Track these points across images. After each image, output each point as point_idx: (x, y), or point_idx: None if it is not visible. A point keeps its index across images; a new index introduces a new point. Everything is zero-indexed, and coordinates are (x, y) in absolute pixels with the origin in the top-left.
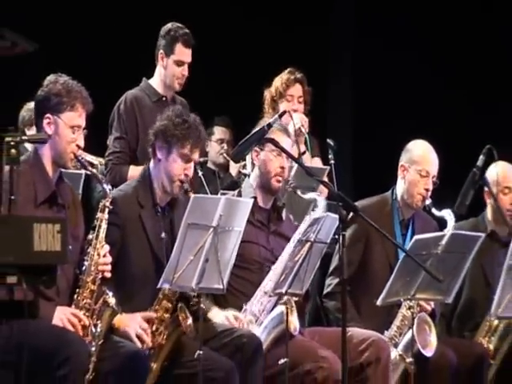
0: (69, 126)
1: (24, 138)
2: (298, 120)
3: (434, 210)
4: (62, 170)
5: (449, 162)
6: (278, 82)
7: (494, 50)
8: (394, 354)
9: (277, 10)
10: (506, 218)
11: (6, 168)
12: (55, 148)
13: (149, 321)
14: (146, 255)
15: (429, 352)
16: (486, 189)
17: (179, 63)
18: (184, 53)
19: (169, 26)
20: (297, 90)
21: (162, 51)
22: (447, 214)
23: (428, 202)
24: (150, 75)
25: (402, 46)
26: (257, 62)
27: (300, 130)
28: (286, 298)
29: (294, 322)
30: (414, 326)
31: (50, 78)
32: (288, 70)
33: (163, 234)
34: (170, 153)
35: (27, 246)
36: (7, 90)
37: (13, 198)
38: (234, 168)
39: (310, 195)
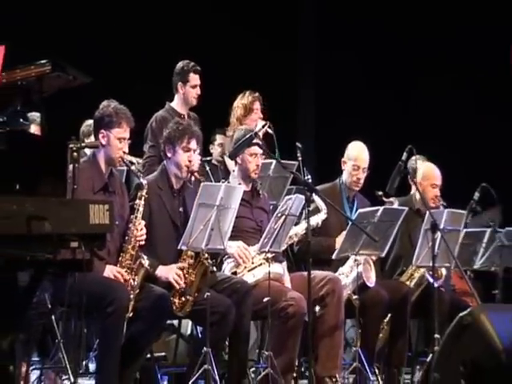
0: (117, 138)
1: (82, 144)
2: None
3: (384, 199)
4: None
5: (384, 155)
6: (245, 100)
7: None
8: (345, 281)
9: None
10: (427, 202)
11: (70, 166)
12: (107, 153)
13: (181, 268)
14: (168, 223)
15: (371, 284)
16: (414, 179)
17: (194, 87)
18: (195, 78)
19: (180, 64)
20: (258, 105)
21: (180, 83)
22: (393, 201)
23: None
24: (168, 99)
25: (357, 58)
26: (246, 85)
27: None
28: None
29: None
30: (361, 265)
31: (104, 103)
32: (248, 91)
33: (181, 209)
34: (175, 149)
35: (85, 220)
36: (69, 110)
37: (75, 187)
38: (230, 164)
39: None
